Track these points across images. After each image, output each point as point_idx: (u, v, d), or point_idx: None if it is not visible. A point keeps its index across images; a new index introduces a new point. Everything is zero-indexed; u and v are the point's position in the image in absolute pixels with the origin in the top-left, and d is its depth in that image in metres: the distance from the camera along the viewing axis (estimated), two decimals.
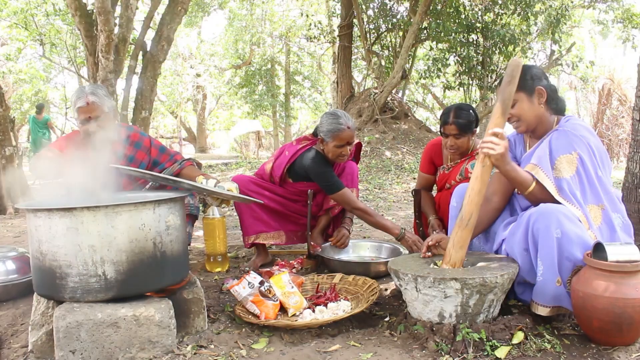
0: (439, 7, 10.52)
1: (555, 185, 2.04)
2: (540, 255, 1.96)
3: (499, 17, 10.60)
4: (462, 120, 2.91)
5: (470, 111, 2.96)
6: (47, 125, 11.11)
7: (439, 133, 3.06)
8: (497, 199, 2.31)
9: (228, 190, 2.45)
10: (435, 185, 3.32)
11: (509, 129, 2.33)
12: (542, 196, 2.06)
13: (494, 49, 10.35)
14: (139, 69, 7.36)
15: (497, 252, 2.27)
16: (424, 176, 3.32)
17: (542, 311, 1.99)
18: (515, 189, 2.31)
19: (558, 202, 2.01)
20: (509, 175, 2.09)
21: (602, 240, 2.01)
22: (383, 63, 11.91)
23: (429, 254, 2.28)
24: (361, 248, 3.24)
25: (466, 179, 2.95)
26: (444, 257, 2.10)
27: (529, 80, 2.15)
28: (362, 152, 9.64)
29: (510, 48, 10.33)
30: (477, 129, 3.06)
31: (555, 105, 2.20)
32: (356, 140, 3.24)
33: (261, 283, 2.24)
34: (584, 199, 2.05)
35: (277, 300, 2.23)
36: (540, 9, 10.51)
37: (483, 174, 2.03)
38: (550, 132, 2.17)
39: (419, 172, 3.38)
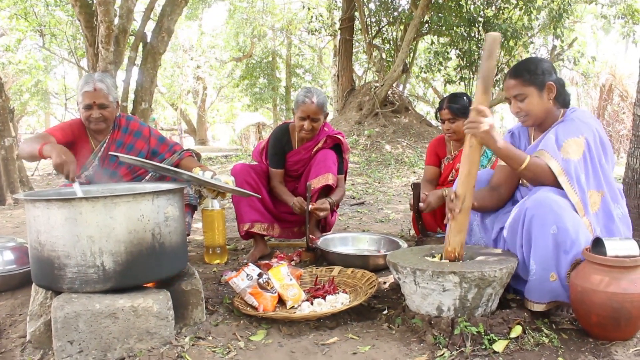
0: (440, 1, 10.45)
1: (562, 167, 2.01)
2: (533, 254, 1.96)
3: (501, 12, 10.55)
4: (455, 105, 3.08)
5: (464, 98, 3.14)
6: (154, 123, 15.79)
7: (435, 118, 3.18)
8: (504, 190, 2.34)
9: (225, 183, 2.44)
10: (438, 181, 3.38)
11: (512, 121, 2.33)
12: (539, 170, 2.03)
13: None
14: (139, 61, 7.34)
15: (495, 239, 2.28)
16: (430, 168, 3.41)
17: (538, 307, 2.00)
18: (520, 181, 2.32)
19: (555, 184, 1.99)
20: (501, 153, 2.05)
21: (598, 227, 2.02)
22: (384, 56, 11.86)
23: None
24: (360, 241, 3.23)
25: None
26: (445, 244, 2.10)
27: (540, 75, 2.12)
28: (362, 147, 9.70)
29: (512, 42, 10.28)
30: None
31: (563, 99, 2.19)
32: (336, 131, 3.29)
33: (260, 275, 2.24)
34: (587, 184, 2.03)
35: (275, 292, 2.23)
36: (542, 3, 10.45)
37: (471, 154, 2.02)
38: (556, 124, 2.16)
39: (425, 167, 3.48)
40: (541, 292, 1.97)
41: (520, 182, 2.36)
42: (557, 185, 2.01)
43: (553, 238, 1.91)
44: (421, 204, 2.73)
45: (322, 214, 3.07)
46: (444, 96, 3.24)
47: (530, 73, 2.12)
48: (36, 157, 2.38)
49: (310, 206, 3.01)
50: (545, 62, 2.20)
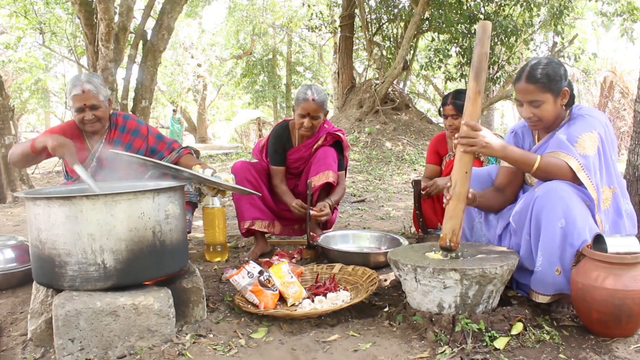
0: None
1: (581, 163, 1.98)
2: (541, 246, 1.96)
3: (502, 8, 10.53)
4: (460, 102, 3.01)
5: None
6: (179, 121, 18.54)
7: (438, 113, 3.17)
8: (509, 192, 2.34)
9: (225, 180, 2.44)
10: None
11: (513, 119, 2.33)
12: (554, 169, 2.00)
13: (496, 41, 10.28)
14: (139, 59, 7.33)
15: (501, 235, 2.29)
16: (430, 167, 3.43)
17: (543, 299, 2.02)
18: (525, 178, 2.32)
19: (572, 182, 1.98)
20: (510, 159, 2.04)
21: (607, 223, 2.02)
22: (384, 54, 11.86)
23: None
24: (361, 238, 3.24)
25: None
26: None
27: (558, 81, 2.08)
28: (363, 144, 9.70)
29: (513, 39, 10.27)
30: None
31: (572, 102, 2.18)
32: (336, 129, 3.29)
33: (260, 273, 2.24)
34: (600, 180, 2.03)
35: (276, 290, 2.23)
36: (543, 0, 10.44)
37: (464, 156, 2.03)
38: (563, 123, 2.16)
39: (426, 165, 3.49)
40: (546, 284, 1.98)
41: (524, 180, 2.35)
42: (574, 182, 1.99)
43: (561, 231, 1.90)
44: (426, 183, 2.73)
45: (322, 219, 3.07)
46: (448, 92, 3.24)
47: (549, 79, 2.06)
48: (29, 155, 2.35)
49: (311, 210, 3.00)
50: (562, 66, 2.14)
